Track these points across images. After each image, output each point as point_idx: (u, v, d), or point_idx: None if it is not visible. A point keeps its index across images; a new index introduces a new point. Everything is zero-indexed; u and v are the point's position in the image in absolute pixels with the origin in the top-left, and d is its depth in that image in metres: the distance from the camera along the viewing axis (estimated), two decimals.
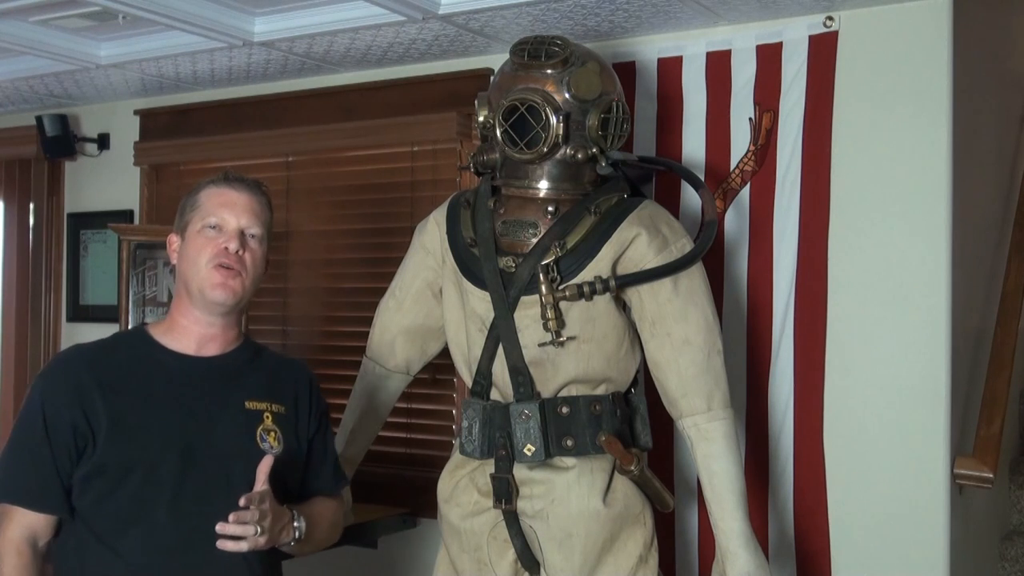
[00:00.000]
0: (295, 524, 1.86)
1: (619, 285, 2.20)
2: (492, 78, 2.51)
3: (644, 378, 2.38)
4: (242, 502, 1.74)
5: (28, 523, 1.78)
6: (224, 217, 1.88)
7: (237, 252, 1.87)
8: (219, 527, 1.73)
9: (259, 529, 1.75)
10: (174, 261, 1.95)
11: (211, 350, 1.92)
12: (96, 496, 1.79)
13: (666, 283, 2.22)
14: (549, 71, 2.22)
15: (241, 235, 1.88)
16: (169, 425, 1.83)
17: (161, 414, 1.83)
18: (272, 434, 1.90)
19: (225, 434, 1.86)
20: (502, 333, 2.23)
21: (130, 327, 3.10)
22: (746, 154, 2.71)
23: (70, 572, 1.81)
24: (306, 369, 2.08)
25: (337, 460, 2.11)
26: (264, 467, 1.81)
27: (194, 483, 1.81)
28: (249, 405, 1.90)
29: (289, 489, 1.92)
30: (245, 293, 1.90)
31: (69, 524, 1.82)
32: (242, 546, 1.75)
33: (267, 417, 1.91)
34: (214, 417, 1.87)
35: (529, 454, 2.22)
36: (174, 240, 1.95)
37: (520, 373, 2.23)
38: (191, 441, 1.83)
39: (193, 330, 1.91)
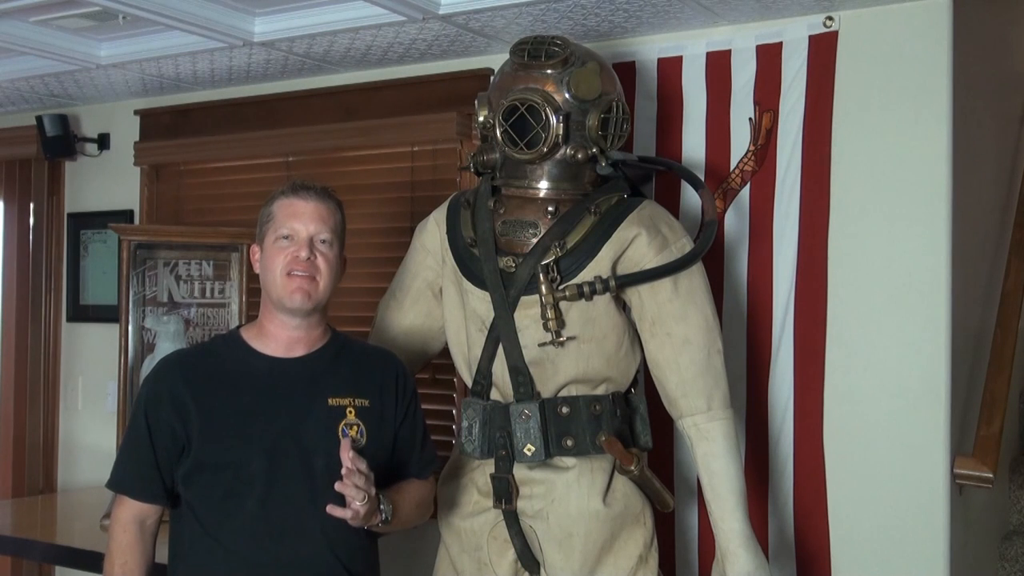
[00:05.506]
0: (381, 507, 1.96)
1: (619, 285, 2.21)
2: (492, 78, 2.51)
3: (644, 378, 2.38)
4: (347, 464, 1.87)
5: (135, 508, 2.01)
6: (294, 227, 2.02)
7: (309, 259, 2.00)
8: (336, 486, 1.87)
9: (365, 496, 1.87)
10: (257, 271, 2.09)
11: (298, 351, 2.05)
12: (197, 490, 1.98)
13: (666, 283, 2.23)
14: (549, 71, 2.22)
15: (311, 242, 2.01)
16: (257, 425, 1.98)
17: (250, 415, 1.98)
18: (355, 428, 2.01)
19: (308, 431, 1.99)
20: (502, 333, 2.23)
21: (129, 325, 3.10)
22: (746, 154, 2.71)
23: (181, 554, 2.02)
24: (392, 359, 2.18)
25: (426, 443, 2.19)
26: (343, 449, 1.90)
27: (280, 478, 1.96)
28: (332, 402, 2.02)
29: (378, 477, 1.98)
30: (321, 295, 2.02)
31: (179, 512, 2.01)
32: (346, 514, 1.87)
33: (350, 412, 2.02)
34: (299, 416, 1.99)
35: (529, 454, 2.22)
36: (256, 251, 2.09)
37: (520, 373, 2.23)
38: (277, 439, 1.97)
39: (280, 334, 2.05)
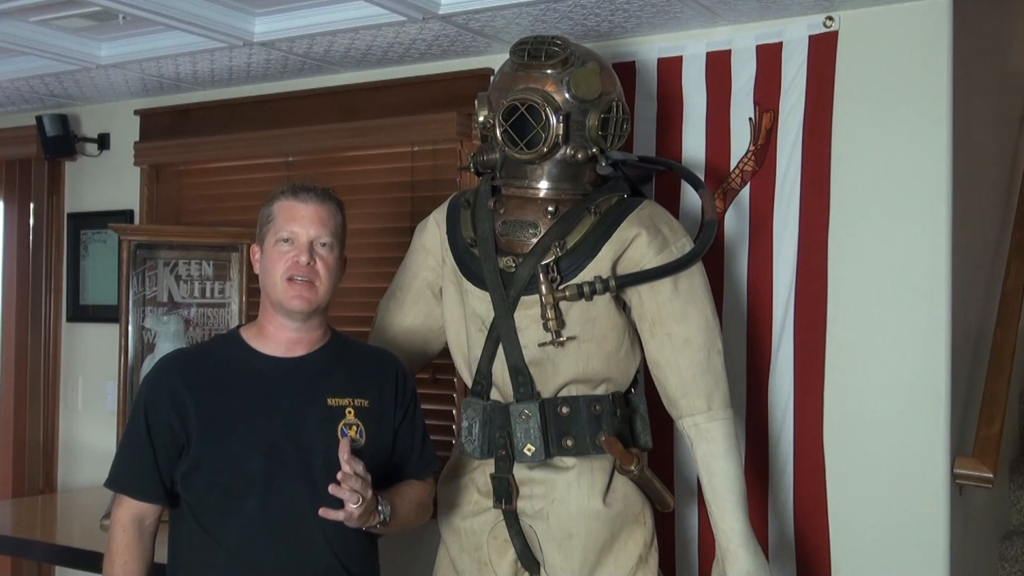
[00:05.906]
0: (379, 508, 1.95)
1: (619, 285, 2.21)
2: (492, 78, 2.51)
3: (644, 378, 2.38)
4: (344, 468, 1.86)
5: (134, 507, 2.00)
6: (294, 231, 2.01)
7: (309, 264, 2.00)
8: (331, 488, 1.86)
9: (360, 499, 1.86)
10: (257, 271, 2.09)
11: (298, 351, 2.05)
12: (197, 489, 1.97)
13: (666, 283, 2.23)
14: (549, 71, 2.23)
15: (311, 246, 2.01)
16: (256, 425, 1.98)
17: (249, 415, 1.98)
18: (354, 428, 2.01)
19: (308, 431, 1.99)
20: (502, 333, 2.23)
21: (129, 325, 3.10)
22: (746, 154, 2.71)
23: (181, 554, 2.02)
24: (392, 360, 2.18)
25: (426, 444, 2.18)
26: (341, 450, 1.88)
27: (280, 478, 1.95)
28: (331, 402, 2.02)
29: (377, 477, 1.98)
30: (320, 299, 2.02)
31: (179, 511, 2.01)
32: (339, 515, 1.87)
33: (349, 412, 2.02)
34: (298, 415, 1.99)
35: (529, 454, 2.22)
36: (256, 251, 2.09)
37: (520, 373, 2.23)
38: (276, 439, 1.97)
39: (280, 335, 2.05)
